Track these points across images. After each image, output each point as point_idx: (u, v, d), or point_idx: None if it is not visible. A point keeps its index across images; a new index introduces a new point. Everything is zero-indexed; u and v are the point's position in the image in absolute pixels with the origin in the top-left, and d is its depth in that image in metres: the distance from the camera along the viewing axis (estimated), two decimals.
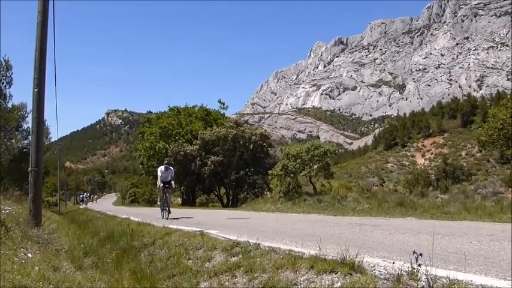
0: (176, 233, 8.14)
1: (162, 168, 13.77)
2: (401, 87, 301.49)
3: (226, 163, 29.04)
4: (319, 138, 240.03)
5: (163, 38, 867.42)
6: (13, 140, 25.29)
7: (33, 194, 8.37)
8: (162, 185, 13.44)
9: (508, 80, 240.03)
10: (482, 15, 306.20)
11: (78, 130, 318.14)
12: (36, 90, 8.15)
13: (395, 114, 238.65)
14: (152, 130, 38.37)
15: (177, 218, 12.60)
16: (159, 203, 14.67)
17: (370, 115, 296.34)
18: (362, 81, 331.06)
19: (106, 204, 55.11)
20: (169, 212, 13.29)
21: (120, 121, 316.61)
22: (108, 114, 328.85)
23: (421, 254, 3.04)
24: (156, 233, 8.72)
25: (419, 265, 3.02)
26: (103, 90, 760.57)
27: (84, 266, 7.45)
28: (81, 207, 44.33)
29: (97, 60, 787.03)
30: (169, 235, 8.10)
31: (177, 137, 35.08)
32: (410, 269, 3.11)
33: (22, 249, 6.01)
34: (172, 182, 13.78)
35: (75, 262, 7.49)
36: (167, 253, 6.80)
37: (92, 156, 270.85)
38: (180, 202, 44.84)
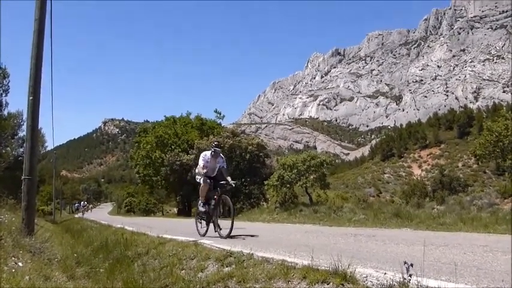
0: (170, 242, 8.10)
1: (207, 154, 8.67)
2: (398, 98, 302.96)
3: None
4: (316, 148, 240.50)
5: (161, 47, 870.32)
6: (8, 148, 25.29)
7: (27, 202, 8.32)
8: (209, 181, 8.51)
9: (504, 92, 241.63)
10: (478, 28, 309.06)
11: (74, 139, 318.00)
12: (31, 98, 8.15)
13: (392, 125, 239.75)
14: (148, 139, 38.33)
15: (240, 237, 8.16)
16: (201, 209, 8.95)
17: (367, 126, 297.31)
18: (359, 92, 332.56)
19: (102, 213, 54.84)
20: (229, 229, 8.01)
21: (117, 130, 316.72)
22: (105, 123, 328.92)
23: (411, 265, 3.03)
24: (150, 242, 8.68)
25: (410, 275, 3.02)
26: (100, 99, 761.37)
27: (76, 276, 7.38)
28: (76, 216, 44.09)
29: (94, 68, 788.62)
30: (163, 245, 8.05)
31: (173, 147, 35.04)
32: (401, 279, 3.10)
33: (13, 258, 5.95)
34: (229, 178, 8.34)
35: (68, 271, 7.41)
36: (160, 263, 6.76)
37: (88, 165, 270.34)
38: (176, 212, 44.68)
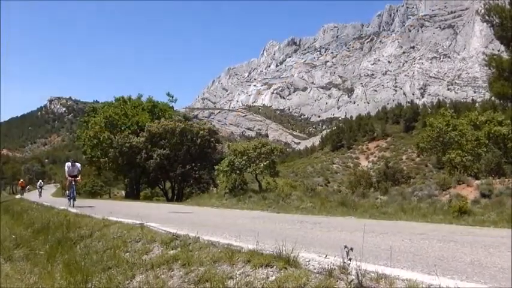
0: (115, 225, 7.94)
1: None
2: (349, 91, 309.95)
3: (173, 157, 28.65)
4: (268, 136, 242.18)
5: (115, 28, 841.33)
6: None
7: None
8: None
9: (448, 89, 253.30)
10: (427, 26, 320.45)
11: (17, 116, 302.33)
12: None
13: (343, 117, 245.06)
14: (97, 119, 37.02)
15: None
16: None
17: (319, 116, 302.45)
18: (312, 83, 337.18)
19: (44, 195, 52.69)
20: None
21: (64, 109, 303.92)
22: (51, 101, 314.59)
23: (351, 249, 3.14)
24: (94, 224, 8.47)
25: (349, 259, 3.13)
26: (47, 76, 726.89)
27: (14, 258, 7.11)
28: (16, 197, 42.24)
29: (42, 43, 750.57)
30: (107, 227, 7.89)
31: (122, 128, 34.10)
32: (341, 263, 3.21)
33: None
34: None
35: (5, 253, 7.12)
36: (104, 245, 6.62)
37: (32, 144, 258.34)
38: (124, 195, 43.81)
